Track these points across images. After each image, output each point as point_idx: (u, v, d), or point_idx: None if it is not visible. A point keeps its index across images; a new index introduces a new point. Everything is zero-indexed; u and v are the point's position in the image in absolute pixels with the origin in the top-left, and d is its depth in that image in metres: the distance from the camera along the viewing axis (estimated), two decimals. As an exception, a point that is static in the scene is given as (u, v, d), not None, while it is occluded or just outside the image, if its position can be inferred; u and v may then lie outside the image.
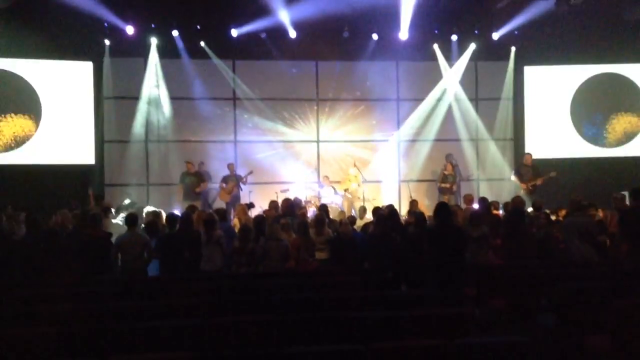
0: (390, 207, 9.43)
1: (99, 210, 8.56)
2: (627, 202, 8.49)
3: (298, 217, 8.96)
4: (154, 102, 13.05)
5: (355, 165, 13.03)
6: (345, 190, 12.74)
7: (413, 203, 10.80)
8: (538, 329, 5.60)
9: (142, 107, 12.96)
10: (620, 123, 14.07)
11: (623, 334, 4.48)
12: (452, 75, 13.81)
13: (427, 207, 11.65)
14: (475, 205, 10.12)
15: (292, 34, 12.70)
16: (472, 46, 13.60)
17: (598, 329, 4.82)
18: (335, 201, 12.45)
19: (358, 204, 12.18)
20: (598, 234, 8.10)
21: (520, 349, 3.83)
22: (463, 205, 10.70)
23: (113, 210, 9.88)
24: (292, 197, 10.40)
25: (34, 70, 12.62)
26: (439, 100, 13.87)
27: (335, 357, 3.68)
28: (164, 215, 8.97)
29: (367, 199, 12.68)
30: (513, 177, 12.80)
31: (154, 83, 12.97)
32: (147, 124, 13.10)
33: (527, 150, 13.54)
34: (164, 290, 5.89)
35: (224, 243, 7.37)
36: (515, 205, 8.77)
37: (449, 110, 13.90)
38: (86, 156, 12.81)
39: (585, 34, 12.92)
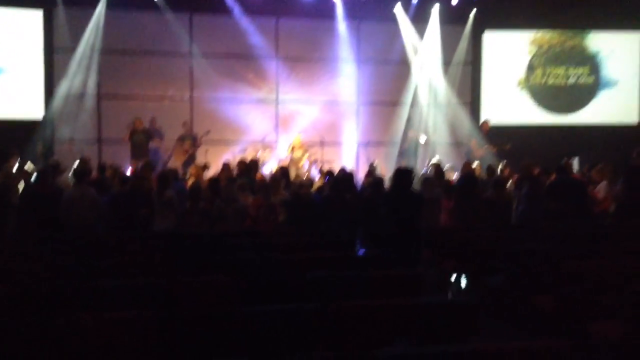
0: (344, 170, 9.44)
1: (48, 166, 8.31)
2: (575, 169, 8.84)
3: (254, 178, 8.90)
4: (98, 55, 12.53)
5: (314, 127, 12.96)
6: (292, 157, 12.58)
7: (371, 166, 10.87)
8: (488, 289, 5.77)
9: (85, 60, 12.43)
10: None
11: (569, 294, 4.65)
12: (414, 37, 13.77)
13: (384, 171, 11.73)
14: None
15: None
16: (437, 8, 13.55)
17: (545, 290, 5.00)
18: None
19: (301, 171, 12.15)
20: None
21: (470, 309, 3.94)
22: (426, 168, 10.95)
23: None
24: (248, 158, 10.30)
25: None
26: (401, 63, 13.84)
27: (293, 317, 3.71)
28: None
29: (325, 160, 12.69)
30: (471, 141, 13.07)
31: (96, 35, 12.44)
32: (99, 78, 12.66)
33: (482, 115, 13.77)
34: (115, 248, 5.78)
35: (176, 203, 7.25)
36: (467, 170, 8.97)
37: (410, 73, 13.91)
38: (35, 110, 12.32)
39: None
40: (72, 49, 12.37)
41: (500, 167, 10.66)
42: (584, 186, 8.04)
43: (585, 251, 5.70)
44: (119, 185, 7.89)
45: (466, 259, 6.23)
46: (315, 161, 12.65)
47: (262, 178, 9.12)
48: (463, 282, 6.16)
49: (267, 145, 12.91)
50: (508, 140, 12.67)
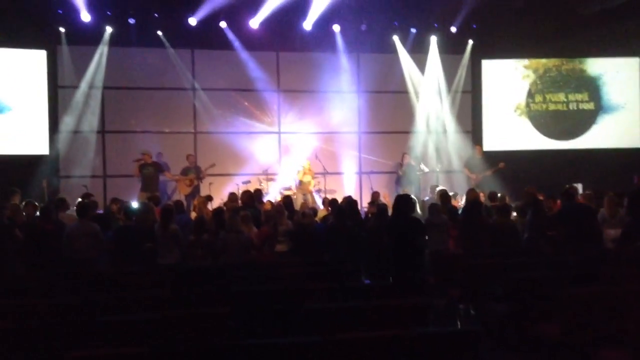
0: (349, 199, 9.47)
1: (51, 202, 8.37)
2: (579, 195, 8.82)
3: (258, 209, 8.92)
4: (101, 92, 12.73)
5: (317, 158, 13.03)
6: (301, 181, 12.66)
7: (375, 194, 10.89)
8: (492, 317, 5.73)
9: (89, 96, 12.64)
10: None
11: (572, 322, 4.61)
12: (412, 67, 13.95)
13: (388, 199, 11.75)
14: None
15: (254, 24, 12.65)
16: (434, 39, 13.77)
17: (549, 318, 4.96)
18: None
19: (309, 196, 12.22)
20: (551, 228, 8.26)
21: (475, 338, 3.91)
22: (429, 196, 10.98)
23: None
24: (252, 189, 10.34)
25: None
26: (401, 93, 13.97)
27: (294, 349, 3.68)
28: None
29: (328, 190, 12.73)
30: (464, 169, 13.15)
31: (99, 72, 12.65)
32: (103, 114, 12.84)
33: (485, 143, 13.84)
34: (117, 282, 5.77)
35: (180, 236, 7.24)
36: (471, 198, 8.98)
37: (410, 102, 14.04)
38: (40, 146, 12.47)
39: (542, 28, 13.19)
40: (76, 86, 12.58)
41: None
42: (593, 211, 7.94)
43: (590, 278, 5.66)
44: (125, 220, 7.90)
45: (471, 286, 6.20)
46: (319, 190, 12.69)
47: (269, 207, 9.15)
48: (469, 310, 6.12)
49: (270, 177, 12.97)
50: (500, 160, 12.77)
